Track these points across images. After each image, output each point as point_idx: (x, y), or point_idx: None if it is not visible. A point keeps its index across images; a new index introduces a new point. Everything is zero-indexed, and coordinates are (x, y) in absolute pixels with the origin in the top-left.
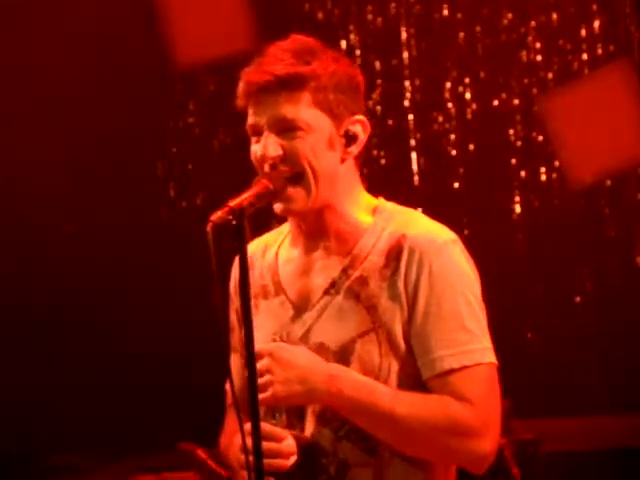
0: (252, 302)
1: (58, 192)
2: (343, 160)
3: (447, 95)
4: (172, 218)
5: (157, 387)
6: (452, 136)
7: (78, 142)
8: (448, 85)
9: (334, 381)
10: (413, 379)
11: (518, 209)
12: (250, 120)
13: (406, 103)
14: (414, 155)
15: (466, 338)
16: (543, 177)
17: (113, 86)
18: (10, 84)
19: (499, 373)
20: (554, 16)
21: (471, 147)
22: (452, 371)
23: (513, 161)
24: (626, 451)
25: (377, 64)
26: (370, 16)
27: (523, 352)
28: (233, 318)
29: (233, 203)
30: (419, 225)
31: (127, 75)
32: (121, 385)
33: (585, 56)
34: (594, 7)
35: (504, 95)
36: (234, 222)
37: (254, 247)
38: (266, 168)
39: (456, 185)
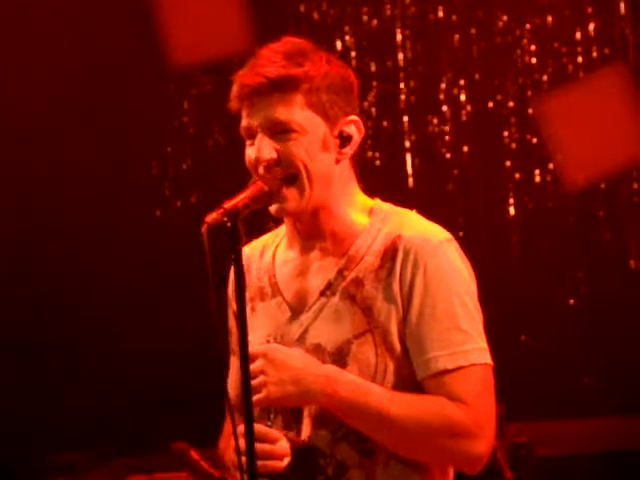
0: (249, 304)
1: (52, 191)
2: (338, 161)
3: (442, 97)
4: (167, 217)
5: (151, 387)
6: (447, 138)
7: (73, 141)
8: (443, 87)
9: (329, 382)
10: (409, 380)
11: (512, 211)
12: (244, 123)
13: (401, 105)
14: (409, 157)
15: (461, 338)
16: (537, 179)
17: (108, 85)
18: (3, 84)
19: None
20: (549, 19)
21: (465, 149)
22: (447, 371)
23: (508, 163)
24: (619, 454)
25: (372, 66)
26: (365, 18)
27: (517, 354)
28: (231, 320)
29: (228, 205)
30: (414, 225)
31: (122, 75)
32: (115, 385)
33: (580, 59)
34: (589, 10)
35: (499, 97)
36: (229, 224)
37: (251, 249)
38: (260, 171)
39: (450, 187)
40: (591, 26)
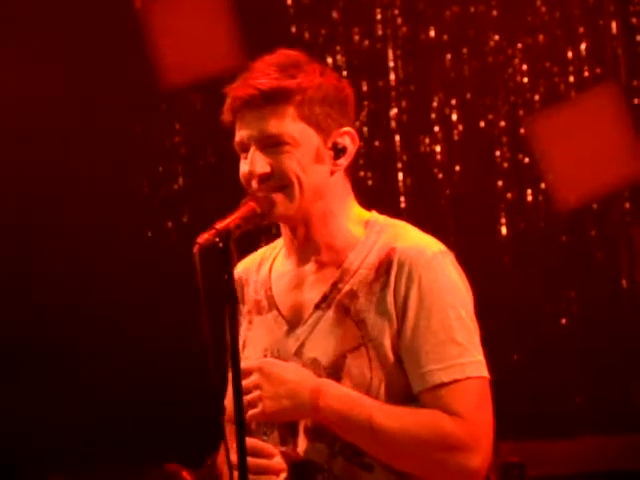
0: (247, 317)
1: (42, 210)
2: (332, 172)
3: (434, 116)
4: (158, 238)
5: (144, 404)
6: (438, 157)
7: (63, 162)
8: (435, 106)
9: (322, 396)
10: (405, 393)
11: (504, 230)
12: (237, 137)
13: (393, 124)
14: (401, 176)
15: (457, 351)
16: (529, 199)
17: (99, 106)
18: None
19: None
20: (540, 38)
21: (457, 168)
22: (442, 385)
23: (499, 183)
24: (611, 474)
25: (364, 85)
26: (357, 37)
27: (509, 373)
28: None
29: (219, 225)
30: (408, 238)
31: (113, 94)
32: (109, 402)
33: (572, 78)
34: (581, 29)
35: (491, 117)
36: (220, 244)
37: (249, 262)
38: (254, 185)
39: (442, 206)
40: (583, 46)
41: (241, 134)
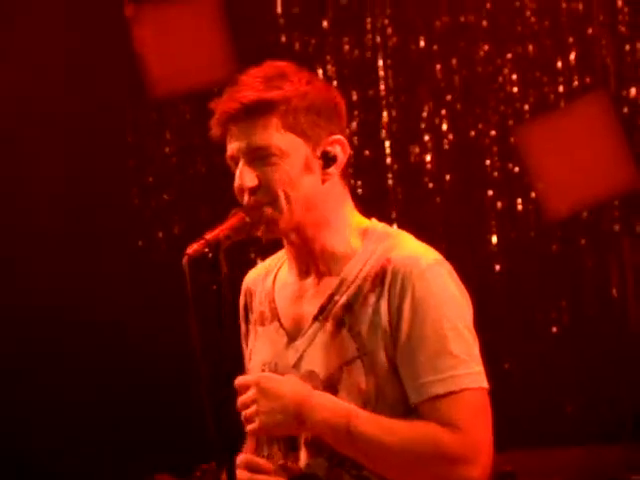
0: (252, 328)
1: (32, 222)
2: (324, 181)
3: (423, 126)
4: (148, 248)
5: (135, 417)
6: (429, 167)
7: (52, 174)
8: (425, 116)
9: (318, 409)
10: (402, 405)
11: (494, 240)
12: (228, 151)
13: (383, 134)
14: (391, 185)
15: (452, 363)
16: (519, 208)
17: (88, 115)
18: None
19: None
20: (530, 48)
21: (448, 178)
22: (438, 397)
23: (490, 192)
24: None
25: (354, 95)
26: (347, 47)
27: (500, 382)
28: (244, 344)
29: (209, 236)
30: (404, 248)
31: (103, 104)
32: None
33: (561, 88)
34: (570, 39)
35: (481, 126)
36: (210, 255)
37: (255, 273)
38: (245, 198)
39: (432, 215)
40: (572, 55)
41: (231, 147)
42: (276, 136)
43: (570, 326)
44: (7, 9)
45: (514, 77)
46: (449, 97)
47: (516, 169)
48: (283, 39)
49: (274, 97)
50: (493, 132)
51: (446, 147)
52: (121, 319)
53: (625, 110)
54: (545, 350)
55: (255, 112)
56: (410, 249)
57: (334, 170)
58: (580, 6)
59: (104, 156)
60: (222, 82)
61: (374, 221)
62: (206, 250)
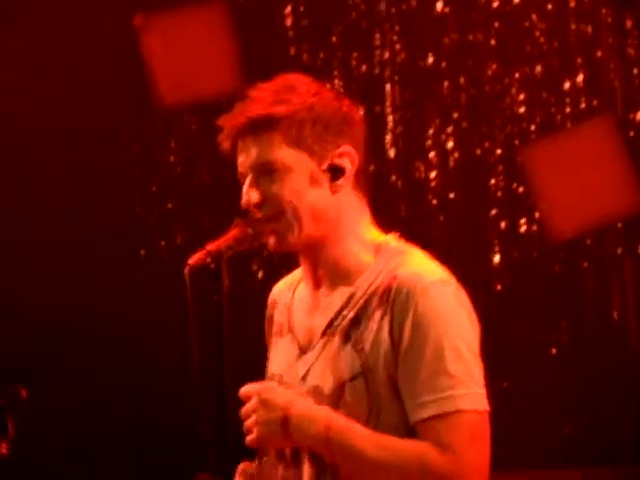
0: (273, 339)
1: (34, 230)
2: (334, 193)
3: (429, 143)
4: (151, 257)
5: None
6: (433, 184)
7: (56, 182)
8: (431, 133)
9: (314, 423)
10: (401, 424)
11: (497, 259)
12: (238, 166)
13: (388, 150)
14: (395, 202)
15: (448, 383)
16: (523, 228)
17: (94, 124)
18: None
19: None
20: (538, 68)
21: (452, 196)
22: (433, 417)
23: (493, 211)
24: None
25: (360, 110)
26: (354, 62)
27: (498, 402)
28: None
29: (211, 247)
30: (411, 264)
31: (108, 113)
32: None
33: (568, 109)
34: (579, 60)
35: (487, 145)
36: (212, 265)
37: (282, 285)
38: (252, 213)
39: (436, 233)
40: (580, 77)
41: (240, 163)
42: (280, 151)
43: (570, 347)
44: (14, 21)
45: (521, 97)
46: (456, 115)
47: (520, 189)
48: (292, 52)
49: (278, 112)
50: (499, 151)
51: (451, 165)
52: (122, 328)
53: (631, 133)
54: (544, 371)
55: (260, 127)
56: (417, 266)
57: (343, 182)
58: (589, 28)
59: (109, 164)
60: (229, 94)
61: (391, 237)
62: (208, 260)
